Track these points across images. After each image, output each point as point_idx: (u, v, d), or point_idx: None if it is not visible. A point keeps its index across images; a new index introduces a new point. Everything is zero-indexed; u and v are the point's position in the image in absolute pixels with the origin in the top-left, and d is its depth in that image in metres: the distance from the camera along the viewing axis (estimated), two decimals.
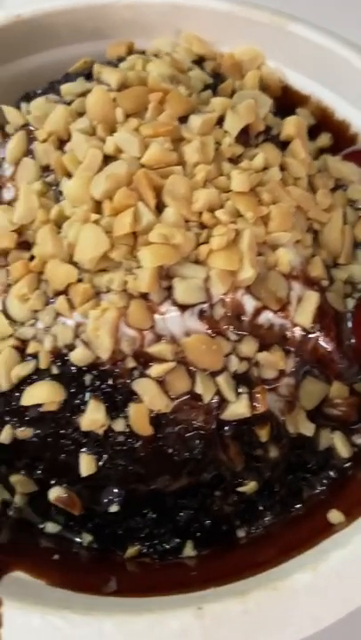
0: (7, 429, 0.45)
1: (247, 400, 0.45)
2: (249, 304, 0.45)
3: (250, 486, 0.46)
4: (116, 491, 0.45)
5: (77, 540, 0.49)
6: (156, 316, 0.43)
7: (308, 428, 0.48)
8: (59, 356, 0.44)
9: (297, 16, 0.65)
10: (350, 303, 0.52)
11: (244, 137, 0.51)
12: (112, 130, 0.48)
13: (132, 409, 0.43)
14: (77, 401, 0.44)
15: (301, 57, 0.64)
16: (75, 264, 0.44)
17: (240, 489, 0.46)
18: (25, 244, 0.46)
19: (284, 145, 0.54)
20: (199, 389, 0.44)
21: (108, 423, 0.43)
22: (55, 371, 0.44)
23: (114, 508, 0.46)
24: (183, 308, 0.43)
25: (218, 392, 0.45)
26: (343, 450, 0.49)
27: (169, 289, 0.44)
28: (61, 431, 0.44)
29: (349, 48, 0.61)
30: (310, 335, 0.47)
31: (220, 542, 0.47)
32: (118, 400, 0.44)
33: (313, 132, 0.66)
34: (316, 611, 0.37)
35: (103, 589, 0.41)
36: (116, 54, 0.64)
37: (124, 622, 0.36)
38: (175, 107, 0.48)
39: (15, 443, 0.45)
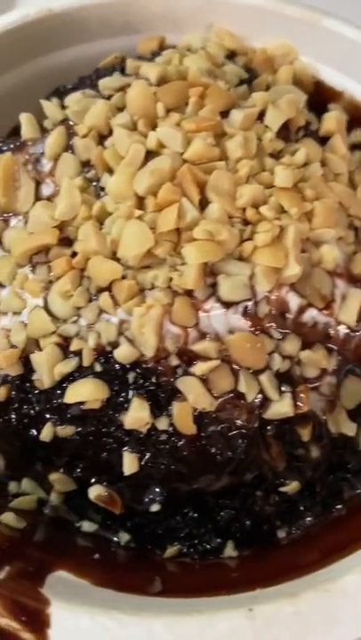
0: (48, 427, 0.44)
1: (290, 399, 0.44)
2: (293, 302, 0.44)
3: (292, 486, 0.46)
4: (157, 490, 0.45)
5: (114, 539, 0.49)
6: (201, 314, 0.43)
7: (349, 428, 0.48)
8: (102, 353, 0.43)
9: (330, 11, 0.65)
10: None
11: (285, 132, 0.50)
12: (153, 125, 0.47)
13: (176, 407, 0.43)
14: (120, 399, 0.43)
15: (335, 53, 0.63)
16: (117, 260, 0.44)
17: (282, 489, 0.46)
18: (66, 240, 0.45)
19: (322, 140, 0.54)
20: (243, 388, 0.43)
21: (151, 421, 0.43)
22: (98, 368, 0.43)
23: (155, 508, 0.45)
24: (228, 305, 0.43)
25: (260, 391, 0.44)
26: None
27: (213, 286, 0.43)
28: (103, 429, 0.44)
29: None
30: (354, 333, 0.46)
31: (261, 543, 0.47)
32: (161, 398, 0.43)
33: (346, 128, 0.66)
34: None
35: (148, 589, 0.41)
36: (147, 49, 0.63)
37: (174, 623, 0.36)
38: (216, 101, 0.48)
39: (55, 441, 0.45)
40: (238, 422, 0.44)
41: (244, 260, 0.43)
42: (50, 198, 0.48)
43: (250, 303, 0.43)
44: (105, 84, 0.51)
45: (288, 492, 0.46)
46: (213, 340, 0.43)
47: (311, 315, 0.45)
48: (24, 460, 0.50)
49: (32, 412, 0.45)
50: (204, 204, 0.44)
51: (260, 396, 0.44)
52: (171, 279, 0.42)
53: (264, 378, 0.44)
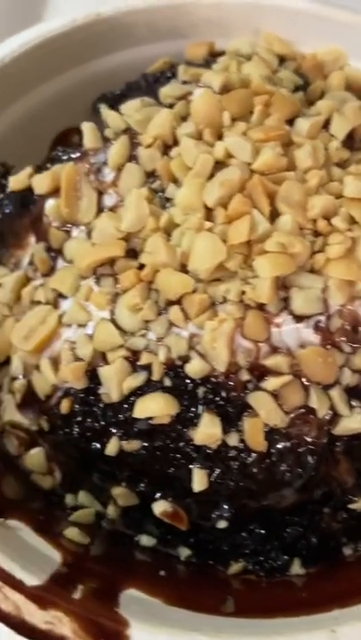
0: (114, 441, 0.44)
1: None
2: None
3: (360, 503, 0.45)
4: (225, 507, 0.44)
5: (174, 554, 0.48)
6: (273, 328, 0.42)
7: None
8: (172, 367, 0.42)
9: None
10: None
11: (350, 141, 0.49)
12: (218, 134, 0.46)
13: (248, 423, 0.42)
14: (190, 414, 0.42)
15: None
16: (186, 273, 0.43)
17: (350, 506, 0.45)
18: (132, 252, 0.45)
19: None
20: (313, 403, 0.43)
21: (221, 437, 0.42)
22: (168, 383, 0.42)
23: (222, 525, 0.44)
24: (300, 319, 0.42)
25: (331, 406, 0.43)
26: None
27: (285, 300, 0.42)
28: (171, 444, 0.43)
29: None
30: None
31: (327, 560, 0.46)
32: (231, 413, 0.42)
33: None
34: None
35: (222, 609, 0.40)
36: (195, 54, 0.63)
37: None
38: (282, 109, 0.47)
39: (119, 455, 0.45)
40: (308, 439, 0.43)
41: (316, 273, 0.43)
42: (113, 209, 0.47)
43: (322, 317, 0.42)
44: (166, 92, 0.50)
45: (357, 509, 0.45)
46: (285, 354, 0.42)
47: None
48: (81, 473, 0.50)
49: (96, 425, 0.45)
50: (274, 216, 0.43)
51: (330, 411, 0.43)
52: (243, 292, 0.42)
53: (334, 393, 0.43)
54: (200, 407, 0.43)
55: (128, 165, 0.47)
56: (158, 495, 0.45)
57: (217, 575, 0.46)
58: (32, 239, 0.53)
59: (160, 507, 0.45)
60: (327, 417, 0.43)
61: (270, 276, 0.41)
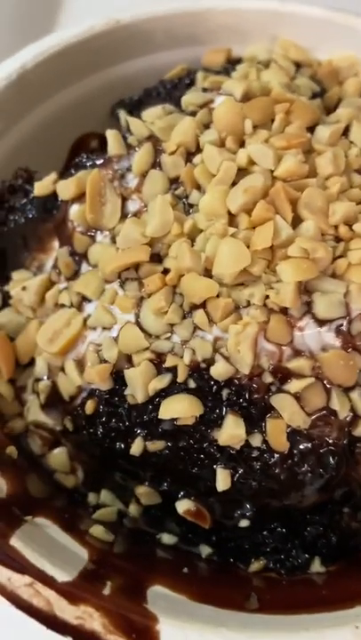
0: (138, 442, 0.45)
1: None
2: None
3: None
4: (248, 506, 0.45)
5: (195, 551, 0.49)
6: (296, 332, 0.43)
7: None
8: (196, 369, 0.43)
9: None
10: None
11: None
12: (240, 141, 0.48)
13: (270, 424, 0.43)
14: (214, 415, 0.43)
15: None
16: (211, 277, 0.44)
17: None
18: (156, 257, 0.46)
19: None
20: (335, 405, 0.43)
21: (245, 438, 0.43)
22: (192, 384, 0.43)
23: (244, 523, 0.46)
24: (322, 323, 0.43)
25: (352, 408, 0.44)
26: None
27: (308, 304, 0.43)
28: (195, 445, 0.44)
29: None
30: None
31: (346, 559, 0.47)
32: (254, 415, 0.43)
33: None
34: None
35: (246, 606, 0.41)
36: (213, 61, 0.64)
37: None
38: (302, 117, 0.48)
39: (143, 455, 0.46)
40: (329, 439, 0.44)
41: (338, 278, 0.44)
42: (136, 214, 0.48)
43: (344, 321, 0.43)
44: (188, 100, 0.51)
45: None
46: (307, 357, 0.43)
47: None
48: (104, 472, 0.51)
49: (121, 426, 0.46)
50: (296, 222, 0.44)
51: (350, 413, 0.44)
52: (267, 297, 0.43)
53: (355, 395, 0.44)
54: (224, 409, 0.43)
55: (152, 172, 0.48)
56: (182, 494, 0.46)
57: (238, 573, 0.47)
58: (55, 243, 0.55)
59: (184, 505, 0.46)
60: (348, 418, 0.44)
61: (293, 281, 0.42)
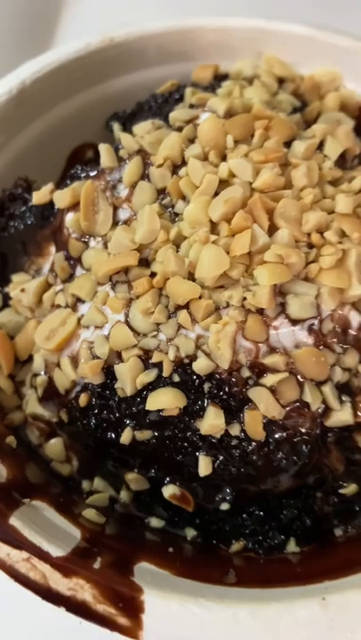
0: (127, 431, 0.49)
1: (350, 408, 0.48)
2: (355, 319, 0.48)
3: (350, 489, 0.50)
4: (227, 490, 0.49)
5: (181, 534, 0.53)
6: (271, 331, 0.47)
7: None
8: (180, 365, 0.47)
9: None
10: None
11: (342, 161, 0.54)
12: (222, 155, 0.51)
13: (248, 415, 0.47)
14: (196, 407, 0.47)
15: None
16: (193, 281, 0.48)
17: (341, 491, 0.50)
18: (144, 262, 0.50)
19: None
20: (308, 398, 0.47)
21: (224, 428, 0.47)
22: (176, 379, 0.47)
23: (225, 506, 0.49)
24: (295, 322, 0.47)
25: (323, 401, 0.48)
26: None
27: (282, 305, 0.47)
28: (180, 434, 0.48)
29: None
30: None
31: (319, 540, 0.51)
32: (233, 407, 0.47)
33: None
34: None
35: (225, 580, 0.45)
36: (202, 77, 0.68)
37: (256, 610, 0.40)
38: (280, 133, 0.52)
39: (132, 443, 0.49)
40: (303, 429, 0.48)
41: (310, 281, 0.47)
42: (127, 222, 0.52)
43: (315, 321, 0.47)
44: (175, 116, 0.55)
45: (346, 493, 0.50)
46: (282, 354, 0.47)
47: None
48: (97, 461, 0.55)
49: (112, 417, 0.50)
50: (272, 230, 0.48)
51: (322, 405, 0.48)
52: (244, 299, 0.46)
53: (326, 389, 0.48)
54: (206, 401, 0.47)
55: (141, 183, 0.52)
56: (167, 480, 0.50)
57: (220, 553, 0.51)
58: (52, 248, 0.58)
59: (169, 490, 0.50)
60: (320, 410, 0.48)
61: (269, 284, 0.46)
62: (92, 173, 0.54)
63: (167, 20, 0.69)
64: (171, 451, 0.48)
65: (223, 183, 0.50)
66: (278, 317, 0.47)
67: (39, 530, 0.44)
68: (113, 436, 0.50)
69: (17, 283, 0.57)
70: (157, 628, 0.40)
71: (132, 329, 0.48)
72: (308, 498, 0.50)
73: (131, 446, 0.49)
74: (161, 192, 0.51)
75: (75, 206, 0.54)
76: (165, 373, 0.47)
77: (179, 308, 0.48)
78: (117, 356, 0.49)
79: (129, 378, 0.47)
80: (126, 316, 0.49)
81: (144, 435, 0.49)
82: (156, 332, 0.48)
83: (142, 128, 0.56)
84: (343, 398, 0.48)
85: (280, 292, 0.47)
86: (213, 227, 0.48)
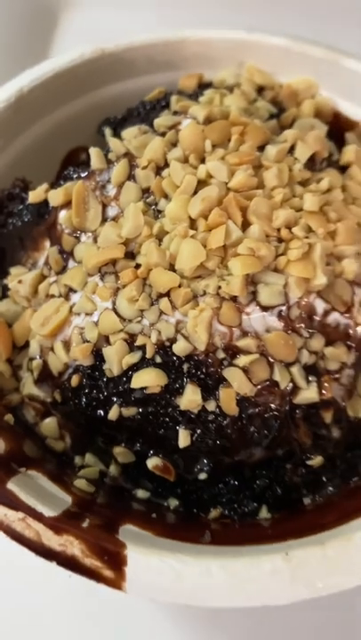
0: (115, 408, 0.53)
1: (316, 387, 0.53)
2: (320, 306, 0.53)
3: (316, 460, 0.54)
4: (205, 461, 0.54)
5: (165, 504, 0.58)
6: (243, 316, 0.52)
7: None
8: (162, 347, 0.52)
9: (350, 52, 0.73)
10: None
11: (311, 163, 0.59)
12: (201, 158, 0.57)
13: (222, 392, 0.51)
14: (176, 385, 0.52)
15: (352, 88, 0.73)
16: (174, 271, 0.53)
17: (308, 462, 0.54)
18: (130, 254, 0.55)
19: (342, 169, 0.63)
20: (277, 377, 0.52)
21: (201, 404, 0.52)
22: (158, 360, 0.52)
23: (202, 476, 0.54)
24: (266, 308, 0.52)
25: (291, 380, 0.53)
26: None
27: (253, 293, 0.52)
28: (161, 410, 0.53)
29: None
30: None
31: (290, 507, 0.55)
32: (210, 385, 0.52)
33: None
34: None
35: (202, 540, 0.49)
36: (188, 85, 0.73)
37: (226, 564, 0.45)
38: (254, 138, 0.57)
39: (119, 420, 0.54)
40: (273, 406, 0.53)
41: (279, 272, 0.52)
42: (115, 219, 0.57)
43: (284, 307, 0.52)
44: (159, 122, 0.60)
45: (313, 465, 0.55)
46: (253, 337, 0.52)
47: (334, 317, 0.53)
48: (88, 438, 0.59)
49: (100, 395, 0.54)
50: (245, 225, 0.53)
51: (290, 384, 0.53)
52: (219, 287, 0.51)
53: (294, 369, 0.53)
54: (185, 379, 0.52)
55: (127, 183, 0.57)
56: (151, 453, 0.55)
57: (199, 519, 0.56)
58: (47, 243, 0.63)
59: (153, 462, 0.55)
60: (288, 389, 0.53)
61: (241, 274, 0.51)
62: (84, 174, 0.59)
63: (155, 33, 0.74)
64: (154, 425, 0.53)
65: (201, 183, 0.55)
66: (250, 304, 0.52)
67: (34, 494, 0.49)
68: (102, 413, 0.55)
69: (15, 275, 0.62)
70: (138, 579, 0.45)
71: (118, 315, 0.53)
72: (278, 469, 0.55)
73: (118, 422, 0.54)
74: (145, 191, 0.56)
75: (67, 204, 0.59)
76: (148, 355, 0.52)
77: (160, 295, 0.53)
78: (105, 339, 0.54)
79: (116, 359, 0.52)
80: (113, 303, 0.54)
81: (130, 411, 0.53)
82: (140, 318, 0.53)
83: (130, 133, 0.61)
84: (310, 378, 0.53)
85: (252, 281, 0.52)
86: (192, 222, 0.53)
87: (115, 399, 0.54)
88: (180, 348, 0.51)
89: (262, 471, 0.55)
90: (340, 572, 0.45)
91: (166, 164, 0.57)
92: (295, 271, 0.52)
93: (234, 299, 0.52)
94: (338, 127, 0.74)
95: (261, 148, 0.58)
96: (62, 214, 0.59)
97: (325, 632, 0.65)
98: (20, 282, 0.61)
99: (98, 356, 0.54)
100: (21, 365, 0.61)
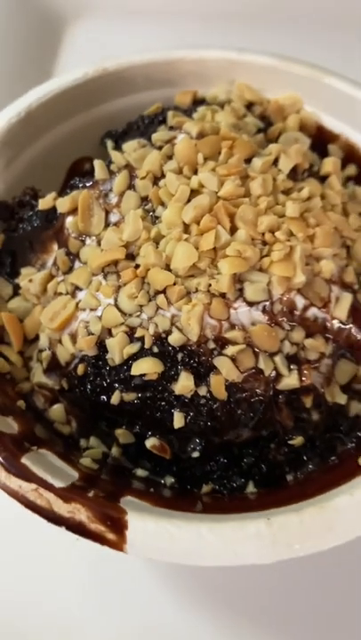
0: (116, 394, 0.59)
1: (297, 375, 0.59)
2: (300, 302, 0.59)
3: (298, 440, 0.60)
4: (197, 441, 0.59)
5: (162, 481, 0.64)
6: (231, 310, 0.58)
7: (341, 398, 0.62)
8: (158, 338, 0.58)
9: (332, 70, 0.80)
10: None
11: (293, 174, 0.65)
12: (194, 170, 0.63)
13: (213, 379, 0.57)
14: (172, 372, 0.58)
15: (334, 103, 0.79)
16: (169, 271, 0.59)
17: (291, 442, 0.60)
18: (130, 256, 0.61)
19: (322, 178, 0.69)
20: (262, 365, 0.58)
21: (194, 389, 0.58)
22: (155, 350, 0.58)
23: (195, 454, 0.60)
24: (251, 304, 0.58)
25: (275, 368, 0.59)
26: None
27: (241, 290, 0.58)
28: (158, 395, 0.58)
29: None
30: (345, 326, 0.61)
31: (274, 483, 0.61)
32: (201, 372, 0.58)
33: (342, 164, 0.80)
34: (353, 523, 0.51)
35: (194, 509, 0.55)
36: (183, 101, 0.79)
37: (214, 527, 0.51)
38: (242, 151, 0.63)
39: (120, 404, 0.60)
40: (258, 391, 0.59)
41: (263, 271, 0.58)
42: (116, 224, 0.63)
43: (267, 303, 0.58)
44: (157, 137, 0.66)
45: (295, 444, 0.60)
46: (240, 329, 0.58)
47: (313, 312, 0.60)
48: (92, 422, 0.65)
49: (104, 383, 0.60)
50: (233, 230, 0.59)
51: (274, 372, 0.59)
52: (210, 285, 0.57)
53: (277, 358, 0.59)
54: (179, 367, 0.58)
55: (128, 192, 0.63)
56: (149, 434, 0.61)
57: (193, 494, 0.62)
58: (55, 246, 0.69)
59: (150, 442, 0.60)
60: (272, 376, 0.59)
61: (229, 273, 0.57)
62: (88, 184, 0.65)
63: (153, 53, 0.80)
64: (151, 409, 0.59)
65: (194, 192, 0.61)
66: (237, 300, 0.58)
67: (45, 468, 0.55)
68: (105, 398, 0.61)
69: (25, 275, 0.68)
70: (137, 541, 0.51)
71: (119, 310, 0.59)
72: (263, 448, 0.61)
73: (119, 406, 0.60)
74: (144, 199, 0.63)
75: (74, 211, 0.65)
76: (147, 345, 0.58)
77: (157, 292, 0.59)
78: (108, 332, 0.60)
79: (117, 350, 0.58)
80: (115, 299, 0.60)
81: (130, 396, 0.59)
82: (139, 313, 0.59)
83: (130, 146, 0.67)
84: (292, 367, 0.59)
85: (239, 279, 0.58)
86: (186, 227, 0.59)
87: (116, 385, 0.60)
88: (174, 339, 0.57)
89: (249, 450, 0.61)
90: (315, 536, 0.51)
91: (163, 175, 0.63)
92: (278, 271, 0.58)
93: (223, 295, 0.58)
94: (321, 139, 0.80)
95: (248, 161, 0.64)
96: (69, 220, 0.65)
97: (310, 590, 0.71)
98: (30, 281, 0.67)
99: (101, 347, 0.60)
100: (32, 357, 0.67)
